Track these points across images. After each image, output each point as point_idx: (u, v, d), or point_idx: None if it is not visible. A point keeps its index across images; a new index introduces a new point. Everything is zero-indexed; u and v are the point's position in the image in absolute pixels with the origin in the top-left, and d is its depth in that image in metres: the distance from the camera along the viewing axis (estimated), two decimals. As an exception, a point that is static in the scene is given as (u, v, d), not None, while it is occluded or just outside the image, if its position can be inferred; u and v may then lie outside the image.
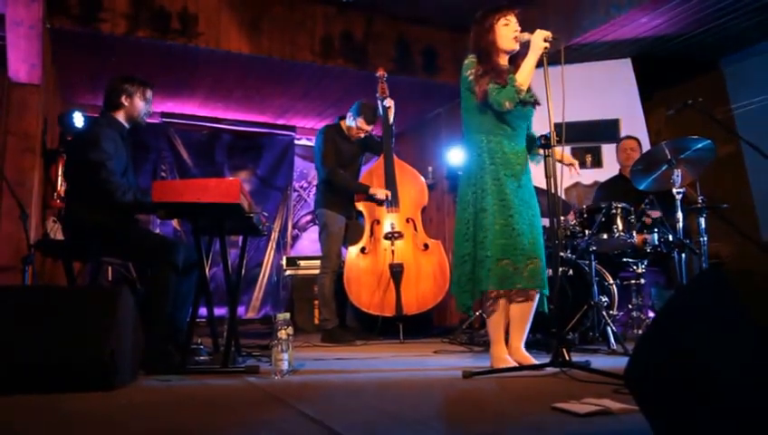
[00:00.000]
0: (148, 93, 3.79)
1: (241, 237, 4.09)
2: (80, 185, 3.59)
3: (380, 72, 5.70)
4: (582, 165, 5.85)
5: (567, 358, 2.82)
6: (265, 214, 3.98)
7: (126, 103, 3.70)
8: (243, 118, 7.92)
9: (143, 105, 3.76)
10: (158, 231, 6.89)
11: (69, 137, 5.66)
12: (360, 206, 5.50)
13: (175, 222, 7.35)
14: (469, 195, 3.19)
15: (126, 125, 3.75)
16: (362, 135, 5.44)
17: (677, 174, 3.91)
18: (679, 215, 3.90)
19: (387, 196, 5.43)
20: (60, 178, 5.52)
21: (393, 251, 5.30)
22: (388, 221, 5.46)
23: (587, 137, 5.81)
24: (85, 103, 6.91)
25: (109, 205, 3.46)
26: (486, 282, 3.06)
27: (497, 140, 3.21)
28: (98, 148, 3.49)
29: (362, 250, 5.45)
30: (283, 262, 7.10)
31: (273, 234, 7.98)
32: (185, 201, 3.01)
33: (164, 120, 7.56)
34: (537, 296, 3.17)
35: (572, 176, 3.45)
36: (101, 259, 3.99)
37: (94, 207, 3.49)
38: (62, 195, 5.39)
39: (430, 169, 7.50)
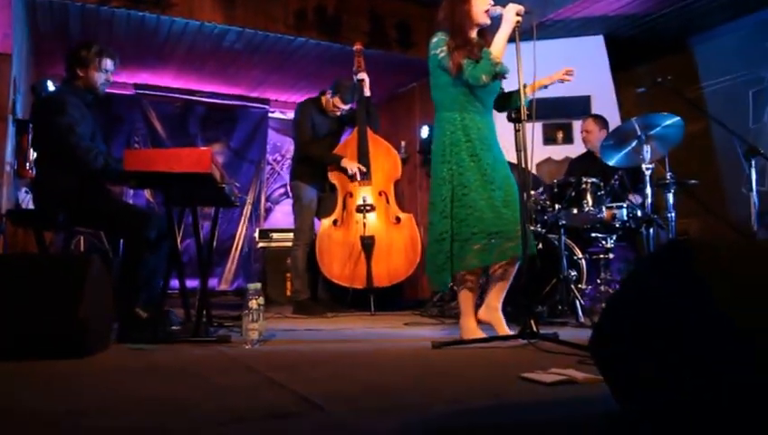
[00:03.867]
0: (106, 63, 3.67)
1: (213, 209, 4.07)
2: (48, 151, 3.53)
3: (357, 46, 5.68)
4: (553, 141, 5.89)
5: (535, 330, 2.85)
6: (237, 185, 3.96)
7: (81, 74, 3.62)
8: (216, 90, 7.82)
9: (99, 76, 3.65)
10: (129, 201, 6.82)
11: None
12: (333, 178, 5.50)
13: (148, 193, 7.33)
14: (444, 172, 3.18)
15: (87, 95, 3.68)
16: (338, 112, 5.43)
17: (647, 150, 3.95)
18: (648, 190, 3.94)
19: (359, 169, 5.43)
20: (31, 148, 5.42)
21: (365, 224, 5.31)
22: (361, 194, 5.47)
23: (558, 113, 5.84)
24: (59, 74, 6.75)
25: (79, 170, 3.41)
26: (473, 259, 3.06)
27: (470, 116, 3.21)
28: (64, 112, 3.43)
29: (334, 223, 5.46)
30: (256, 234, 7.08)
31: (246, 206, 7.95)
32: (156, 170, 2.98)
33: (137, 91, 7.44)
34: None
35: (563, 82, 3.34)
36: (73, 229, 3.94)
37: (64, 173, 3.44)
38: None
39: (403, 143, 7.49)
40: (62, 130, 3.42)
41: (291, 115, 5.66)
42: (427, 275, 3.29)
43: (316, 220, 5.53)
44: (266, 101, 8.21)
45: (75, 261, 2.72)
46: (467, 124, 3.19)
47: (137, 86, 7.43)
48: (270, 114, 8.32)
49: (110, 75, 3.73)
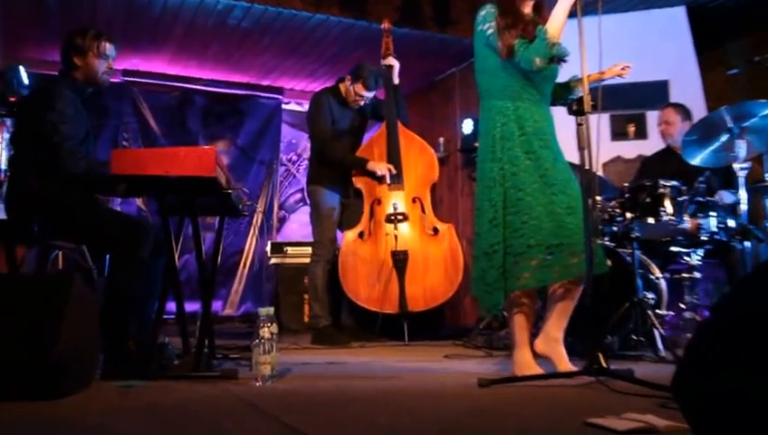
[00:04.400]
0: (107, 48, 3.74)
1: (217, 219, 4.10)
2: (28, 152, 3.58)
3: (385, 25, 5.69)
4: (624, 136, 5.82)
5: (604, 365, 2.80)
6: (246, 190, 3.99)
7: (79, 63, 3.67)
8: (220, 78, 7.89)
9: (100, 63, 3.71)
10: (117, 209, 6.90)
11: (12, 97, 5.64)
12: (359, 183, 5.51)
13: (139, 201, 7.41)
14: (494, 171, 3.15)
15: (85, 86, 3.73)
16: (361, 102, 5.45)
17: (740, 146, 3.88)
18: (743, 195, 3.87)
19: (389, 171, 5.43)
20: (0, 146, 5.51)
21: (396, 236, 5.30)
22: (391, 201, 5.46)
23: (629, 103, 5.76)
24: (32, 58, 6.88)
25: (60, 174, 3.45)
26: (530, 278, 3.04)
27: (525, 106, 3.19)
28: (52, 108, 3.48)
29: (360, 235, 5.47)
30: (268, 248, 7.11)
31: (255, 215, 8.00)
32: (149, 174, 3.00)
33: (126, 79, 7.54)
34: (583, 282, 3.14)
35: (623, 76, 3.36)
36: (50, 242, 3.98)
37: (44, 177, 3.48)
38: (4, 166, 5.38)
39: (441, 139, 7.48)
40: (45, 128, 3.47)
41: (307, 107, 5.68)
42: (473, 297, 3.26)
43: (338, 232, 5.54)
44: (279, 91, 8.25)
45: (53, 282, 2.74)
46: (522, 115, 3.17)
47: (126, 73, 7.53)
48: (284, 106, 8.36)
49: (111, 62, 3.80)
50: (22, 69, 5.68)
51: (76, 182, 3.50)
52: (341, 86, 5.52)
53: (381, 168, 5.44)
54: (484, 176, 3.21)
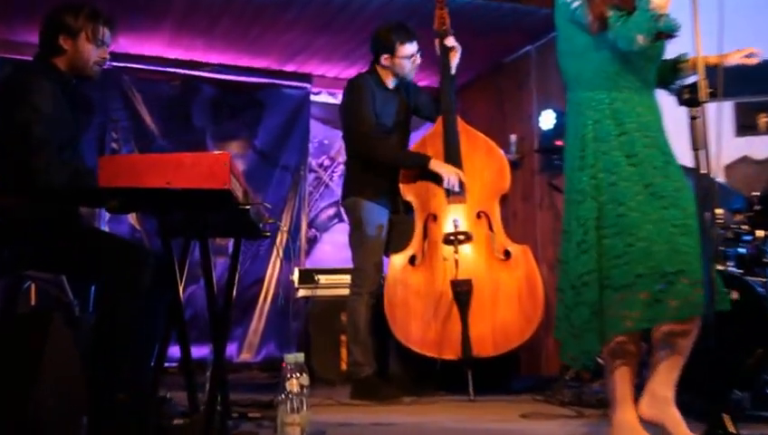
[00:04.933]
0: (103, 33, 3.77)
1: (231, 241, 4.10)
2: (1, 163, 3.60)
3: (440, -8, 5.68)
4: (752, 130, 5.71)
5: (732, 431, 2.73)
6: (268, 205, 3.97)
7: (66, 47, 3.69)
8: (233, 62, 7.95)
9: (93, 50, 3.74)
10: (105, 229, 6.95)
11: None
12: (409, 193, 5.46)
13: (132, 218, 7.46)
14: (584, 182, 3.10)
15: (69, 77, 3.75)
16: (416, 63, 5.51)
17: None
18: None
19: (458, 177, 5.37)
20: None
21: (457, 261, 5.23)
22: (451, 217, 5.40)
23: (758, 87, 5.66)
24: (3, 39, 7.01)
25: (35, 189, 3.46)
26: (638, 317, 2.96)
27: (625, 96, 3.14)
28: (25, 103, 3.49)
29: (411, 260, 5.42)
30: (295, 277, 7.09)
31: (279, 235, 7.95)
32: (147, 186, 3.00)
33: (114, 64, 7.55)
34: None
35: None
36: (22, 273, 4.00)
37: (13, 192, 3.51)
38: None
39: (513, 138, 7.37)
40: (15, 128, 3.49)
41: (342, 97, 5.68)
42: (557, 341, 3.20)
43: (384, 257, 5.51)
44: (307, 78, 8.30)
45: (25, 322, 2.75)
46: (619, 108, 3.12)
47: (115, 56, 7.49)
48: (312, 97, 8.40)
49: (105, 51, 3.83)
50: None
51: (55, 198, 3.52)
52: (379, 68, 5.55)
53: (449, 171, 5.38)
54: (572, 188, 3.16)
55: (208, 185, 3.02)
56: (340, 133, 6.13)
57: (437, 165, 5.39)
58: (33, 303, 5.35)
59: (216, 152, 3.14)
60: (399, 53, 5.44)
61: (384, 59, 5.49)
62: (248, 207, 3.33)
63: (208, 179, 3.02)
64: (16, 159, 3.47)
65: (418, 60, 5.55)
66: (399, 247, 5.48)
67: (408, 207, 5.53)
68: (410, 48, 5.47)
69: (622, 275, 3.00)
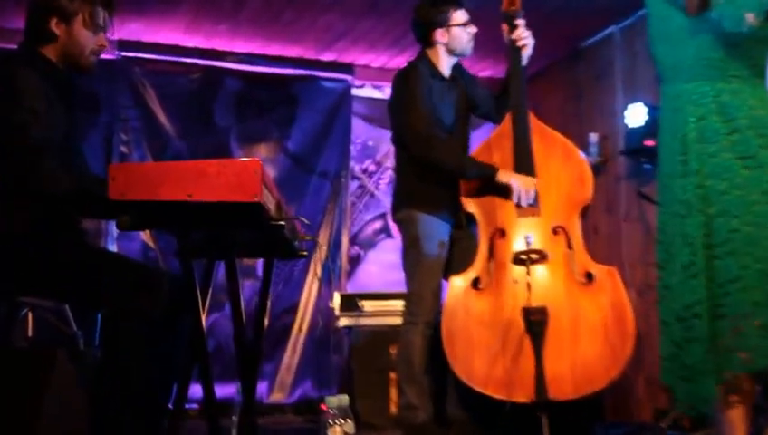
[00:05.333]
0: (102, 16, 3.78)
1: (261, 262, 4.10)
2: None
3: (508, -30, 5.67)
4: None
5: None
6: (306, 221, 3.96)
7: (58, 33, 3.69)
8: (261, 51, 8.02)
9: (89, 37, 3.75)
10: (114, 249, 6.97)
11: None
12: (471, 204, 5.41)
13: (145, 234, 7.48)
14: (689, 191, 3.09)
15: (61, 68, 3.77)
16: (472, 35, 5.51)
17: None
18: None
19: (531, 189, 5.32)
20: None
21: (530, 285, 5.18)
22: (522, 232, 5.33)
23: None
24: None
25: (30, 201, 3.50)
26: (757, 353, 2.93)
27: (733, 87, 3.12)
28: (14, 100, 3.52)
29: (475, 283, 5.36)
30: (335, 303, 7.10)
31: (316, 254, 7.96)
32: (165, 199, 3.03)
33: (122, 54, 7.69)
34: None
35: None
36: (17, 300, 4.03)
37: (6, 206, 3.54)
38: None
39: (594, 137, 7.38)
40: (6, 133, 3.51)
41: (390, 90, 5.66)
42: (663, 386, 3.17)
43: (443, 280, 5.48)
44: (348, 69, 8.34)
45: (25, 359, 2.76)
46: (727, 102, 3.11)
47: (123, 45, 7.66)
48: (354, 91, 8.45)
49: (104, 38, 3.84)
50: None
51: (54, 211, 3.54)
52: (431, 53, 5.52)
53: (521, 182, 5.31)
54: (673, 198, 3.13)
55: (236, 198, 3.04)
56: (387, 133, 6.10)
57: (506, 176, 5.29)
58: (30, 333, 5.39)
59: (245, 159, 3.11)
60: (454, 20, 5.44)
61: (439, 35, 5.46)
62: (282, 222, 3.34)
63: (236, 191, 3.04)
64: (8, 167, 3.51)
65: (473, 29, 5.53)
66: (461, 268, 5.40)
67: (470, 220, 5.49)
68: (463, 14, 5.49)
69: (737, 302, 2.97)
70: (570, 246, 5.37)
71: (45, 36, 3.70)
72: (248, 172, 3.04)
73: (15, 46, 3.85)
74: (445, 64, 5.54)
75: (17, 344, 4.93)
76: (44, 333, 5.31)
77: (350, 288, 8.06)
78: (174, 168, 3.11)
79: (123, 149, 7.63)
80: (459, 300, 5.36)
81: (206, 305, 3.75)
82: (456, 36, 5.48)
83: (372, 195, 8.58)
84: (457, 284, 5.38)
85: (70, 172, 3.53)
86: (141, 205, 3.06)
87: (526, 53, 5.57)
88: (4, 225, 3.54)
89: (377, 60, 8.22)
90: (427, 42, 5.56)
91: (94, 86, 7.49)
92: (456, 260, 5.48)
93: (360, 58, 8.23)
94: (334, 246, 8.21)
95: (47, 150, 3.51)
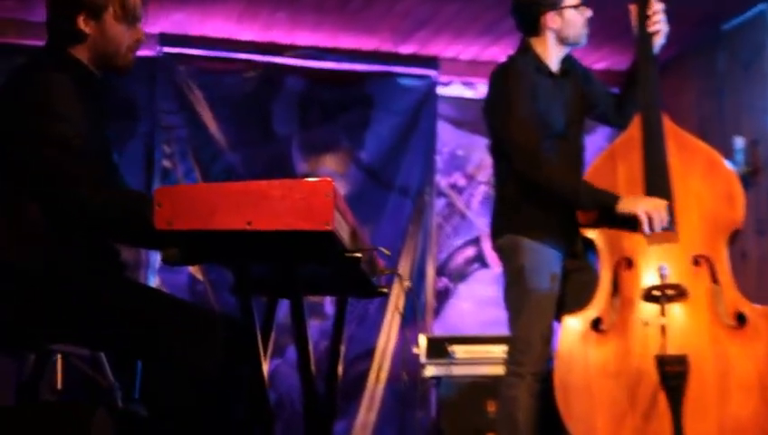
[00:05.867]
0: (135, 7, 3.76)
1: (330, 300, 4.08)
2: (5, 190, 3.63)
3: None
4: None
5: None
6: (386, 251, 3.91)
7: (88, 30, 3.68)
8: (328, 44, 8.06)
9: (123, 32, 3.73)
10: (156, 283, 7.00)
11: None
12: (591, 229, 5.33)
13: (193, 267, 7.50)
14: None
15: (95, 71, 3.76)
16: (587, 18, 5.36)
17: None
18: None
19: (662, 212, 5.23)
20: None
21: (665, 328, 5.10)
22: (654, 262, 5.24)
23: None
24: (15, 19, 7.15)
25: (62, 229, 3.49)
26: None
27: None
28: (48, 113, 3.52)
29: (595, 324, 5.26)
30: (420, 348, 7.07)
31: (395, 286, 7.94)
32: (219, 229, 2.99)
33: (164, 50, 7.76)
34: None
35: None
36: (46, 347, 4.04)
37: (31, 234, 3.54)
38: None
39: (740, 142, 7.27)
40: (41, 151, 3.50)
41: (485, 89, 5.62)
42: None
43: (555, 320, 5.39)
44: (432, 63, 8.33)
45: (55, 416, 2.75)
46: None
47: (164, 39, 7.75)
48: (440, 90, 8.45)
49: (140, 31, 3.81)
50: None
51: (89, 239, 3.54)
52: (536, 43, 5.42)
53: (649, 206, 5.24)
54: None
55: (304, 225, 2.97)
56: (481, 140, 6.09)
57: (631, 205, 5.14)
58: (59, 385, 5.41)
59: (314, 179, 3.07)
60: (567, 1, 5.33)
61: (549, 19, 5.34)
62: (358, 254, 3.29)
63: (304, 217, 2.97)
64: (36, 188, 3.50)
65: (589, 12, 5.42)
66: (577, 306, 5.30)
67: (589, 248, 5.42)
68: (584, 8, 5.39)
69: None
70: (715, 280, 5.22)
71: (73, 36, 3.69)
72: (318, 195, 2.98)
73: (42, 43, 3.87)
74: (554, 56, 5.43)
75: (45, 398, 4.97)
76: (76, 384, 5.33)
77: (438, 330, 8.03)
78: (230, 190, 3.06)
79: (166, 163, 7.70)
80: (576, 346, 5.26)
81: (269, 353, 3.75)
82: (570, 21, 5.36)
83: (463, 215, 8.53)
84: (573, 325, 5.28)
85: (108, 193, 3.50)
86: (192, 235, 3.03)
87: (659, 41, 5.47)
88: (29, 258, 3.51)
89: (466, 51, 8.19)
90: (531, 29, 5.45)
91: (131, 89, 7.56)
92: (572, 297, 5.37)
93: (445, 50, 8.21)
94: (418, 277, 8.19)
95: (88, 168, 3.50)
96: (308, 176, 8.00)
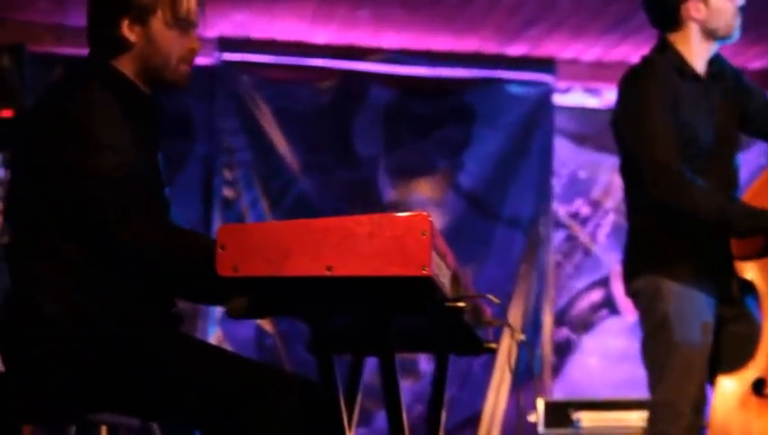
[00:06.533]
0: (189, 8, 3.78)
1: (425, 358, 4.09)
2: (35, 235, 3.68)
3: None
4: None
5: None
6: (495, 299, 3.92)
7: (133, 37, 3.70)
8: (420, 46, 8.10)
9: (175, 38, 3.75)
10: (217, 337, 7.05)
11: (6, 109, 5.91)
12: (749, 269, 5.29)
13: (265, 321, 7.55)
14: None
15: (142, 87, 3.79)
16: (740, 6, 5.33)
17: None
18: None
19: None
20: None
21: None
22: None
23: None
24: (51, 24, 7.25)
25: (107, 277, 3.52)
26: None
27: None
28: (89, 139, 3.54)
29: (757, 388, 5.25)
30: (537, 415, 7.06)
31: (504, 338, 7.93)
32: (295, 275, 3.00)
33: (225, 57, 7.82)
34: None
35: None
36: (89, 418, 4.09)
37: (70, 286, 3.57)
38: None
39: None
40: (81, 184, 3.55)
41: (612, 97, 5.62)
42: None
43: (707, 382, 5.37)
44: (548, 66, 8.35)
45: None
46: None
47: (224, 44, 7.82)
48: (557, 98, 8.47)
49: (195, 38, 3.77)
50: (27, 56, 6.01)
51: (139, 289, 3.58)
52: (677, 38, 5.39)
53: None
54: None
55: (395, 270, 2.94)
56: (608, 159, 6.05)
57: None
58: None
59: (407, 214, 3.06)
60: None
61: (692, 8, 5.28)
62: (461, 304, 3.30)
63: (396, 260, 2.96)
64: (74, 226, 3.55)
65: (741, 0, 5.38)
66: (735, 365, 5.29)
67: (748, 293, 5.39)
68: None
69: None
70: None
71: (116, 45, 3.70)
72: (413, 233, 2.95)
73: (83, 50, 3.88)
74: (699, 55, 5.39)
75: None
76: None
77: (558, 392, 8.03)
78: (307, 228, 3.03)
79: (227, 192, 7.77)
80: (734, 414, 5.24)
81: (353, 419, 3.76)
82: (719, 9, 5.30)
83: (587, 251, 8.52)
84: (730, 388, 5.26)
85: (160, 234, 3.52)
86: (261, 282, 3.01)
87: None
88: (68, 311, 3.53)
89: (588, 51, 8.18)
90: (670, 22, 5.41)
91: (185, 104, 7.63)
92: (728, 352, 5.32)
93: (563, 49, 8.22)
94: (532, 327, 8.17)
95: (136, 204, 3.54)
96: (397, 206, 8.05)
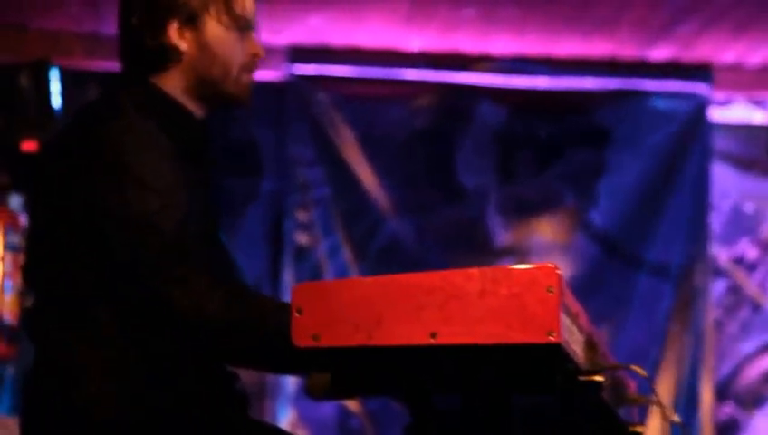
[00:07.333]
0: (244, 4, 3.77)
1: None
2: (69, 294, 3.72)
3: None
4: None
5: None
6: (642, 371, 3.96)
7: (183, 45, 3.65)
8: (538, 51, 8.13)
9: (234, 42, 3.73)
10: (292, 420, 7.11)
11: (28, 139, 6.00)
12: None
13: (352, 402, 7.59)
14: None
15: (194, 111, 3.79)
16: None
17: None
18: None
19: None
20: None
21: None
22: None
23: None
24: (84, 33, 7.36)
25: (156, 351, 3.56)
26: None
27: None
28: (126, 180, 3.54)
29: None
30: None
31: (653, 419, 7.92)
32: (390, 344, 3.03)
33: (297, 70, 7.84)
34: None
35: None
36: None
37: (112, 360, 3.61)
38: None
39: None
40: (118, 232, 3.57)
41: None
42: None
43: None
44: (702, 73, 8.35)
45: None
46: None
47: (296, 54, 7.89)
48: (715, 111, 8.44)
49: (257, 44, 3.71)
50: (54, 73, 6.11)
51: (194, 364, 3.62)
52: None
53: None
54: None
55: (515, 337, 2.94)
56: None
57: None
58: None
59: (527, 266, 3.03)
60: None
61: None
62: (599, 378, 3.32)
63: (515, 324, 2.96)
64: (115, 291, 3.58)
65: None
66: None
67: None
68: None
69: None
70: None
71: (162, 57, 3.65)
72: (537, 289, 2.93)
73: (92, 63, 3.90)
74: None
75: None
76: None
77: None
78: (403, 286, 3.04)
79: (301, 237, 7.83)
80: None
81: None
82: None
83: (756, 306, 8.47)
84: None
85: (219, 295, 3.40)
86: (348, 355, 3.03)
87: None
88: (105, 401, 3.50)
89: (754, 54, 8.18)
90: None
91: (248, 130, 7.69)
92: None
93: (722, 52, 8.21)
94: (687, 404, 8.15)
95: (195, 258, 3.53)
96: (513, 252, 8.06)
